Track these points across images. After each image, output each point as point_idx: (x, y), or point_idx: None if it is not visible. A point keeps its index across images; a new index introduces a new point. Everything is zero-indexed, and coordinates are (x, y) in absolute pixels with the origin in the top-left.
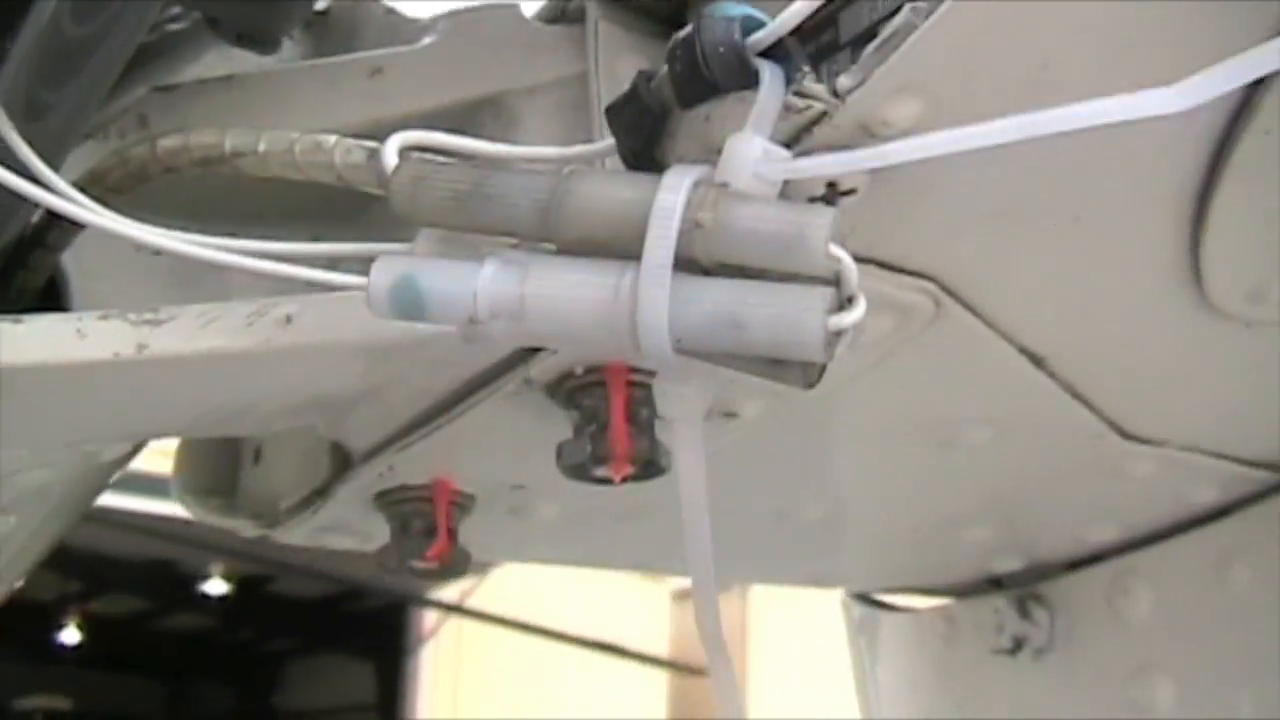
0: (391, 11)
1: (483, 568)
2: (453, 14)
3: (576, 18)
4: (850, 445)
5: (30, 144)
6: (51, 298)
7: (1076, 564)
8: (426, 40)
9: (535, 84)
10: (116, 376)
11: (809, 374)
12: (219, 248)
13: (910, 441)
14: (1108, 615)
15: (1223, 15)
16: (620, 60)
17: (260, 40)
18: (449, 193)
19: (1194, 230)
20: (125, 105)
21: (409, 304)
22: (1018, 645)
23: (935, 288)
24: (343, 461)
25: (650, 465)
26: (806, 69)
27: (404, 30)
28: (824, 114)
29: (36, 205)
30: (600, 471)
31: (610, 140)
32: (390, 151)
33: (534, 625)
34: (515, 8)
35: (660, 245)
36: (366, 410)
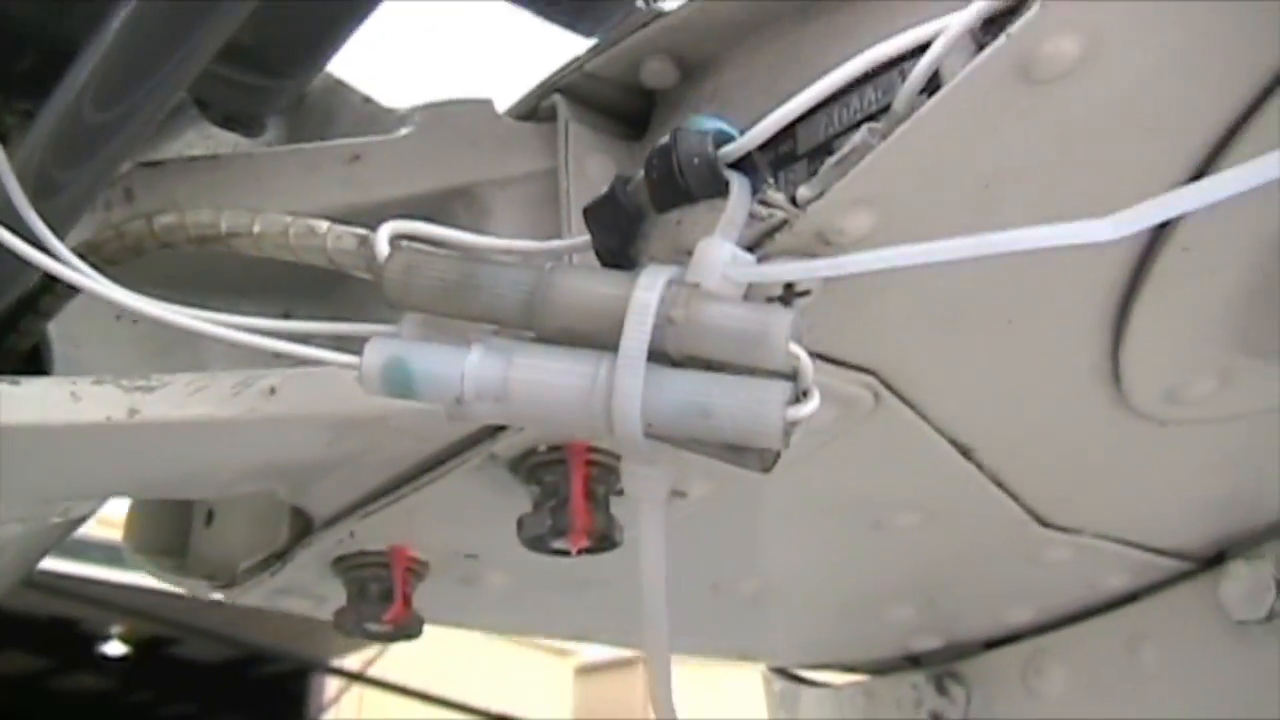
0: (369, 100)
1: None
2: (429, 106)
3: (547, 116)
4: (786, 525)
5: (41, 217)
6: (34, 361)
7: (993, 643)
8: (404, 131)
9: (506, 177)
10: (106, 440)
11: (765, 459)
12: (220, 323)
13: (842, 523)
14: (1022, 693)
15: (1143, 155)
16: (588, 159)
17: (246, 123)
18: (439, 282)
19: (1115, 335)
20: (111, 178)
21: (399, 383)
22: None
23: (876, 381)
24: (303, 526)
25: (605, 539)
26: (770, 180)
27: (381, 119)
28: (785, 222)
29: (36, 273)
30: (558, 544)
31: (584, 236)
32: (382, 240)
33: (436, 696)
34: (489, 103)
35: (636, 338)
36: (332, 478)
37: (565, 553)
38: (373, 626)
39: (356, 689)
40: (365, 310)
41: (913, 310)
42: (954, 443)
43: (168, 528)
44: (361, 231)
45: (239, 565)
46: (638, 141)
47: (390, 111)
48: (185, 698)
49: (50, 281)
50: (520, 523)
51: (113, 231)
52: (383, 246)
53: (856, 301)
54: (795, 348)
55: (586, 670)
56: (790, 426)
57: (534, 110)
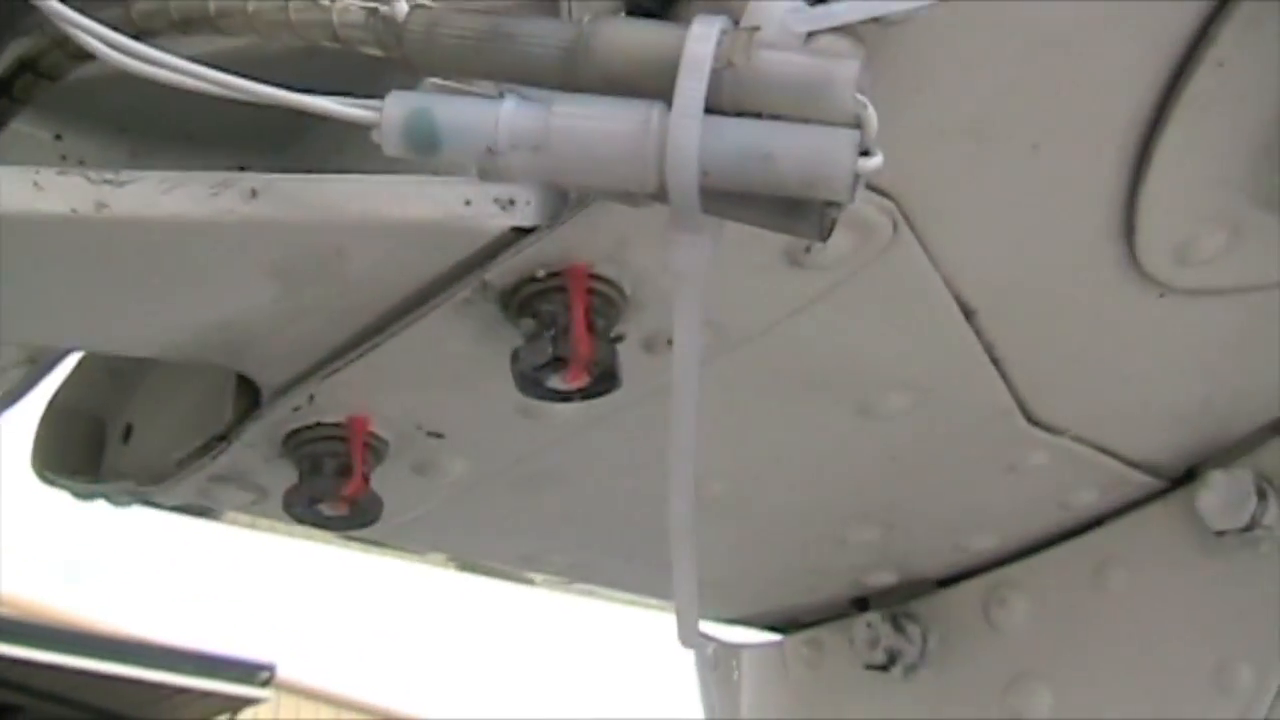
0: None
1: (235, 705)
2: None
3: None
4: (767, 403)
5: None
6: None
7: (947, 580)
8: None
9: None
10: (68, 239)
11: (825, 223)
12: (227, 81)
13: (828, 404)
14: (983, 628)
15: None
16: None
17: None
18: (468, 35)
19: (1134, 177)
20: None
21: (423, 136)
22: (891, 659)
23: (895, 209)
24: (250, 402)
25: (608, 376)
26: None
27: None
28: None
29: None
30: (555, 380)
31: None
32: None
33: None
34: None
35: (694, 80)
36: (285, 337)
37: (562, 395)
38: (326, 508)
39: None
40: (327, 163)
41: (941, 121)
42: (959, 300)
43: (78, 448)
44: (371, 3)
45: (171, 457)
46: None
47: None
48: None
49: (23, 66)
50: (515, 355)
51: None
52: (401, 5)
53: (883, 111)
54: (861, 96)
55: None
56: (857, 179)
57: None
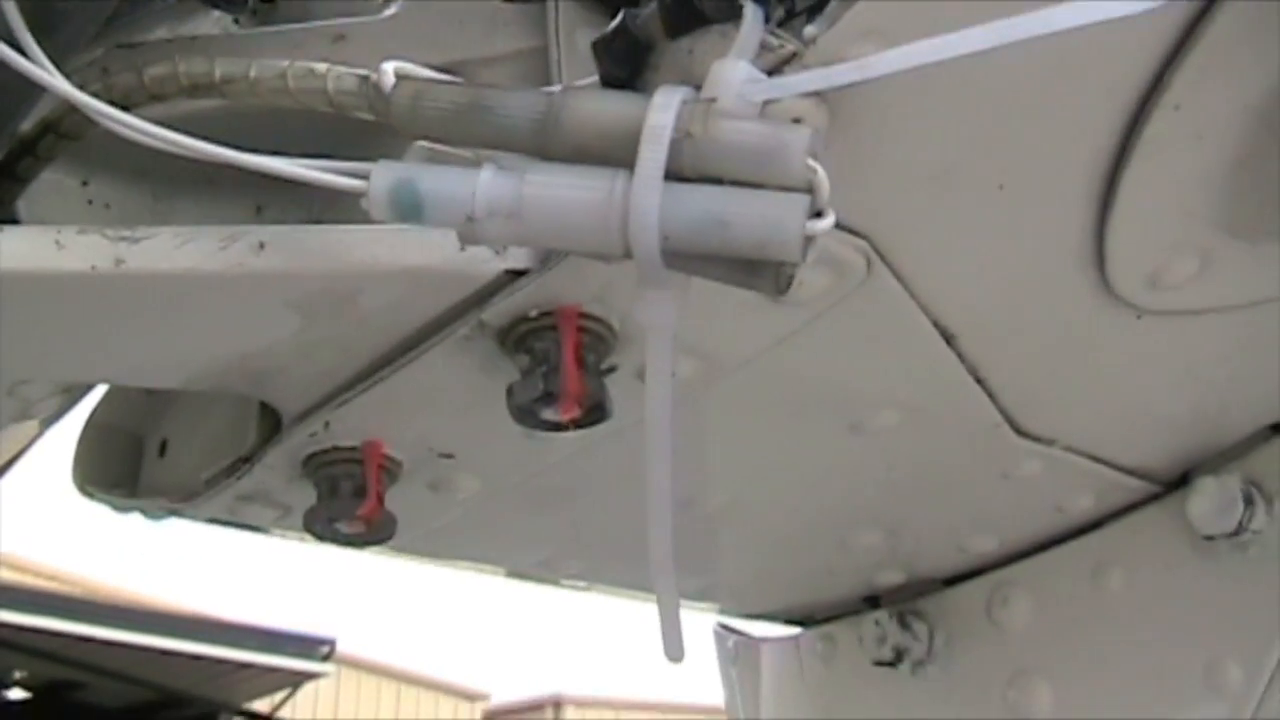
0: None
1: (296, 680)
2: None
3: None
4: (764, 422)
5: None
6: None
7: (953, 580)
8: (389, 11)
9: (494, 55)
10: (88, 293)
11: (781, 279)
12: (215, 151)
13: (821, 422)
14: (986, 626)
15: None
16: (578, 33)
17: (228, 1)
18: (449, 106)
19: (1101, 210)
20: (88, 59)
21: (408, 205)
22: (899, 656)
23: (869, 247)
24: (272, 427)
25: (598, 408)
26: (780, 10)
27: (362, 9)
28: (794, 54)
29: (32, 105)
30: (549, 413)
31: (588, 80)
32: (388, 72)
33: None
34: None
35: (653, 152)
36: (303, 370)
37: (556, 425)
38: (344, 526)
39: None
40: (338, 209)
41: (908, 168)
42: (938, 325)
43: (117, 462)
44: (362, 71)
45: (200, 477)
46: None
47: (371, 1)
48: None
49: (46, 128)
50: (510, 390)
51: (100, 86)
52: (389, 78)
53: (855, 157)
54: (813, 163)
55: (495, 715)
56: (809, 240)
57: None
